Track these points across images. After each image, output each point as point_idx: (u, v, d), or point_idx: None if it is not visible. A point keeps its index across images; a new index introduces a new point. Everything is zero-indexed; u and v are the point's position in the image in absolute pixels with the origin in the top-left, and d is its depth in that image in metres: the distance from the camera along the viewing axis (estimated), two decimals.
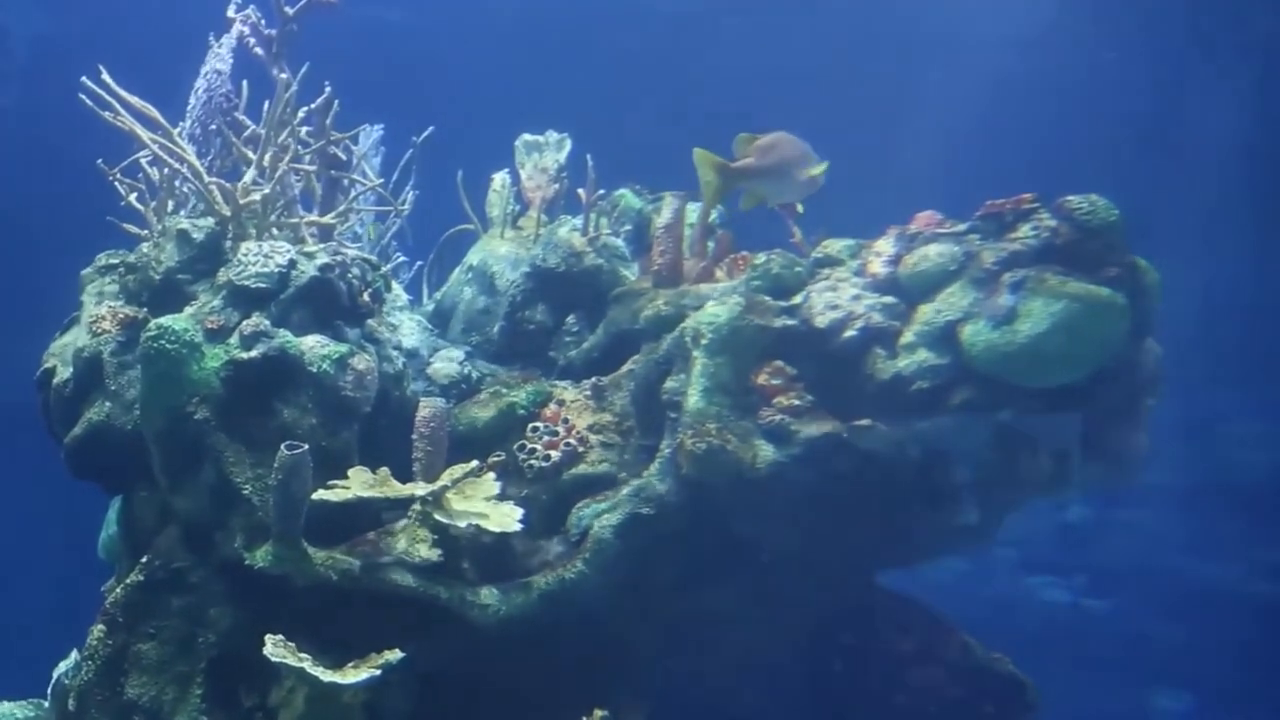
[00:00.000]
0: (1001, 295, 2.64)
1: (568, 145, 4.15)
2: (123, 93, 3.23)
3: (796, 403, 2.84)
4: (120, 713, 2.88)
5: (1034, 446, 2.78)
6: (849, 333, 2.85)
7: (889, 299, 2.86)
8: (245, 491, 2.87)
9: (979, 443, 2.78)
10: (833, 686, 3.05)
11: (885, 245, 2.92)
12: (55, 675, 3.37)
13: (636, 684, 3.09)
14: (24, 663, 3.64)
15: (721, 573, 3.06)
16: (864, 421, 2.78)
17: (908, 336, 2.79)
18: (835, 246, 3.06)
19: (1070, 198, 2.74)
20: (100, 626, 2.95)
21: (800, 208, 3.11)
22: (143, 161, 3.39)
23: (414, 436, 3.08)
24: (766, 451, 2.82)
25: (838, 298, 2.87)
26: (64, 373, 3.21)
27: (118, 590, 2.99)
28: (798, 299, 2.95)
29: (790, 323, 2.92)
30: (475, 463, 3.02)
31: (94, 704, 2.91)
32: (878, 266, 2.88)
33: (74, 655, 3.33)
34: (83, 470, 3.18)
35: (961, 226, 2.85)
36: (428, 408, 3.11)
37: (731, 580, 3.07)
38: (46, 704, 3.41)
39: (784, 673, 3.08)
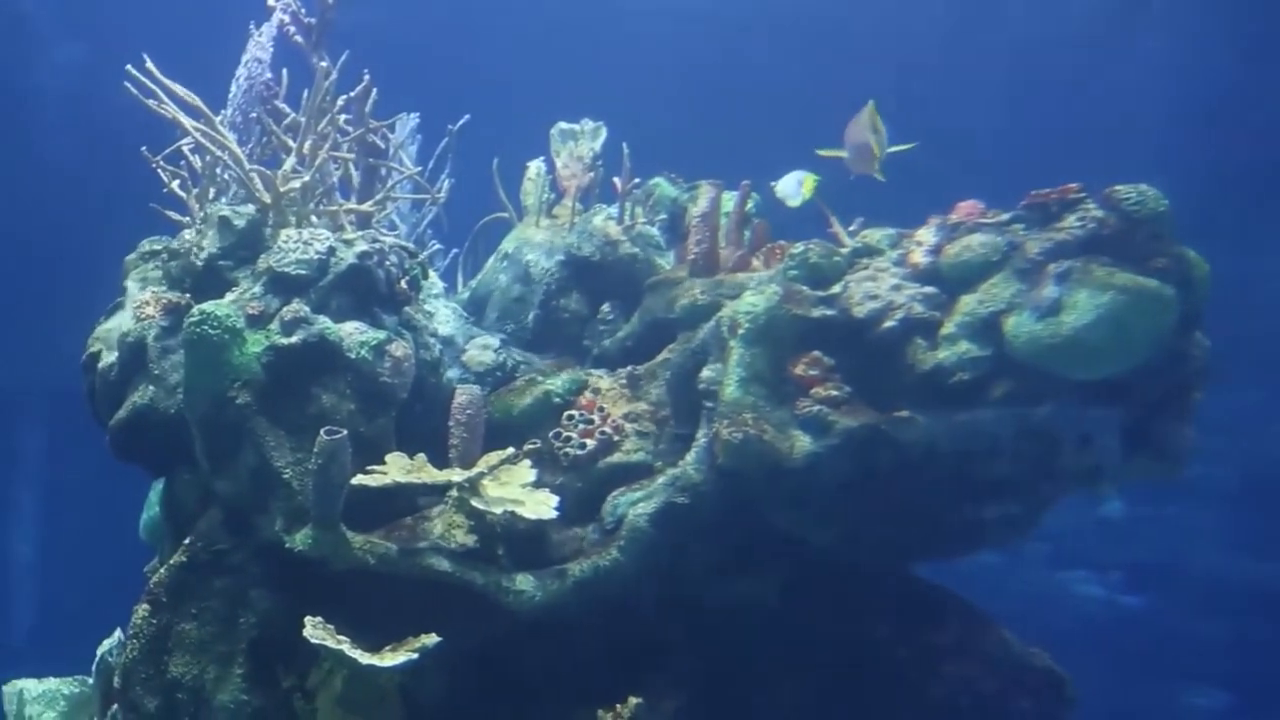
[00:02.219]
0: (1046, 286, 2.61)
1: (603, 133, 4.14)
2: (166, 81, 3.27)
3: (834, 393, 2.82)
4: (164, 690, 2.93)
5: (1076, 440, 2.74)
6: (888, 323, 2.82)
7: (930, 289, 2.82)
8: (285, 475, 2.90)
9: (1020, 436, 2.74)
10: (868, 678, 3.03)
11: (926, 235, 2.89)
12: (99, 653, 3.44)
13: (671, 672, 3.09)
14: (69, 640, 3.71)
15: (757, 563, 3.05)
16: (903, 413, 2.75)
17: (949, 327, 2.76)
18: (874, 236, 3.03)
19: (1118, 187, 2.70)
20: (145, 606, 3.00)
21: (880, 176, 3.12)
22: (185, 149, 3.43)
23: (450, 423, 3.10)
24: (803, 442, 2.81)
25: (877, 288, 2.85)
26: (109, 357, 3.26)
27: (161, 571, 3.04)
28: (836, 289, 2.92)
29: (828, 313, 2.90)
30: (511, 449, 3.04)
31: (139, 681, 2.96)
32: (918, 256, 2.85)
33: (117, 634, 3.40)
34: (126, 453, 3.23)
35: (1005, 216, 2.81)
36: (464, 394, 3.12)
37: (767, 571, 3.07)
38: (91, 681, 3.48)
39: (820, 666, 3.07)
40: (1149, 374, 2.68)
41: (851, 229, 3.16)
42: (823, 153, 3.23)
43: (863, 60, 5.73)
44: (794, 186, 3.32)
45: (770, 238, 3.41)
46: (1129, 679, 6.41)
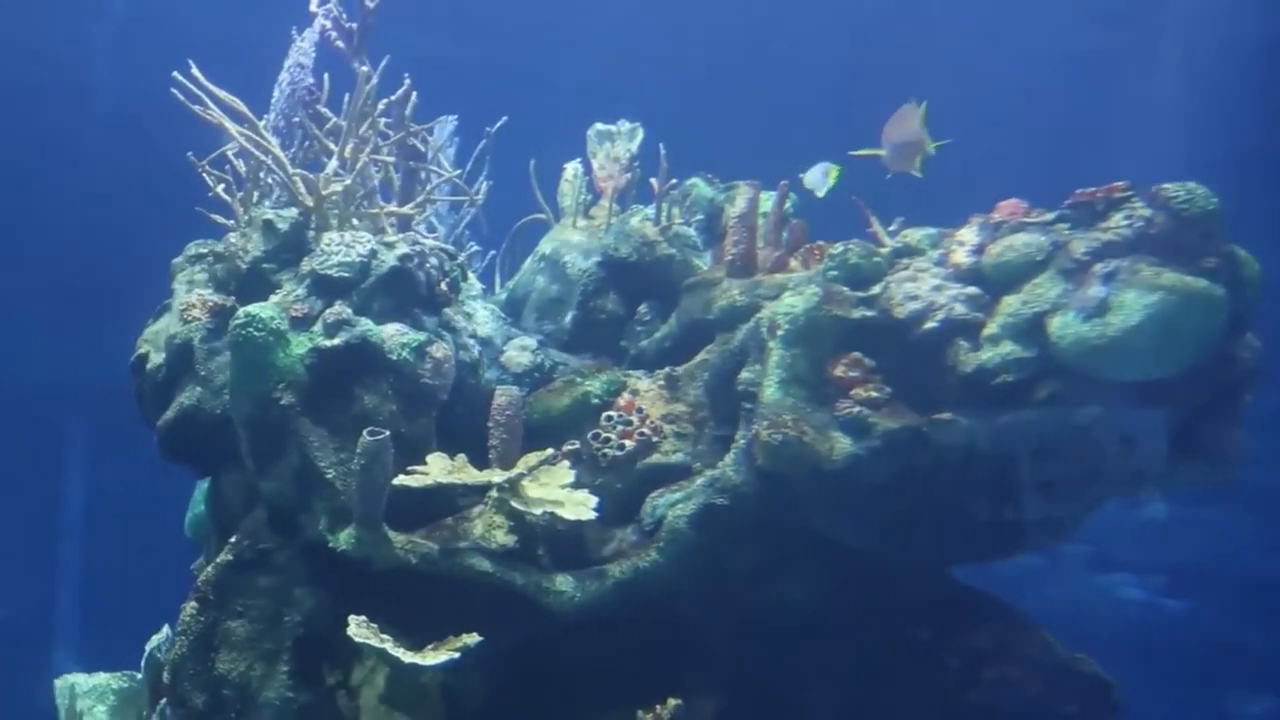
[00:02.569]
0: (1092, 286, 2.57)
1: (640, 134, 4.15)
2: (211, 86, 3.32)
3: (875, 395, 2.81)
4: (211, 686, 2.97)
5: (1123, 443, 2.71)
6: (930, 324, 2.80)
7: (972, 289, 2.80)
8: (328, 476, 2.93)
9: (1065, 438, 2.71)
10: (908, 682, 3.02)
11: (968, 234, 2.86)
12: (148, 649, 3.50)
13: (709, 673, 3.09)
14: (117, 636, 3.77)
15: (796, 565, 3.05)
16: (944, 415, 2.73)
17: (991, 328, 2.74)
18: (915, 236, 3.01)
19: (1166, 185, 2.66)
20: (192, 604, 3.05)
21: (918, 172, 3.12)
22: (230, 154, 3.48)
23: (490, 424, 3.12)
24: (844, 444, 2.80)
25: (918, 288, 2.82)
26: (156, 358, 3.32)
27: (208, 569, 3.09)
28: (876, 289, 2.91)
29: (869, 313, 2.88)
30: (550, 450, 3.05)
31: (187, 677, 3.01)
32: (960, 256, 2.83)
33: (165, 630, 3.46)
34: (174, 453, 3.28)
35: (1049, 215, 2.77)
36: (503, 396, 3.15)
37: (806, 572, 3.06)
38: (140, 676, 3.54)
39: (859, 667, 3.06)
40: (1198, 376, 2.64)
41: (891, 229, 3.14)
42: (858, 153, 3.23)
43: (900, 56, 5.70)
44: (820, 177, 3.34)
45: (808, 238, 3.40)
46: (1174, 685, 6.31)
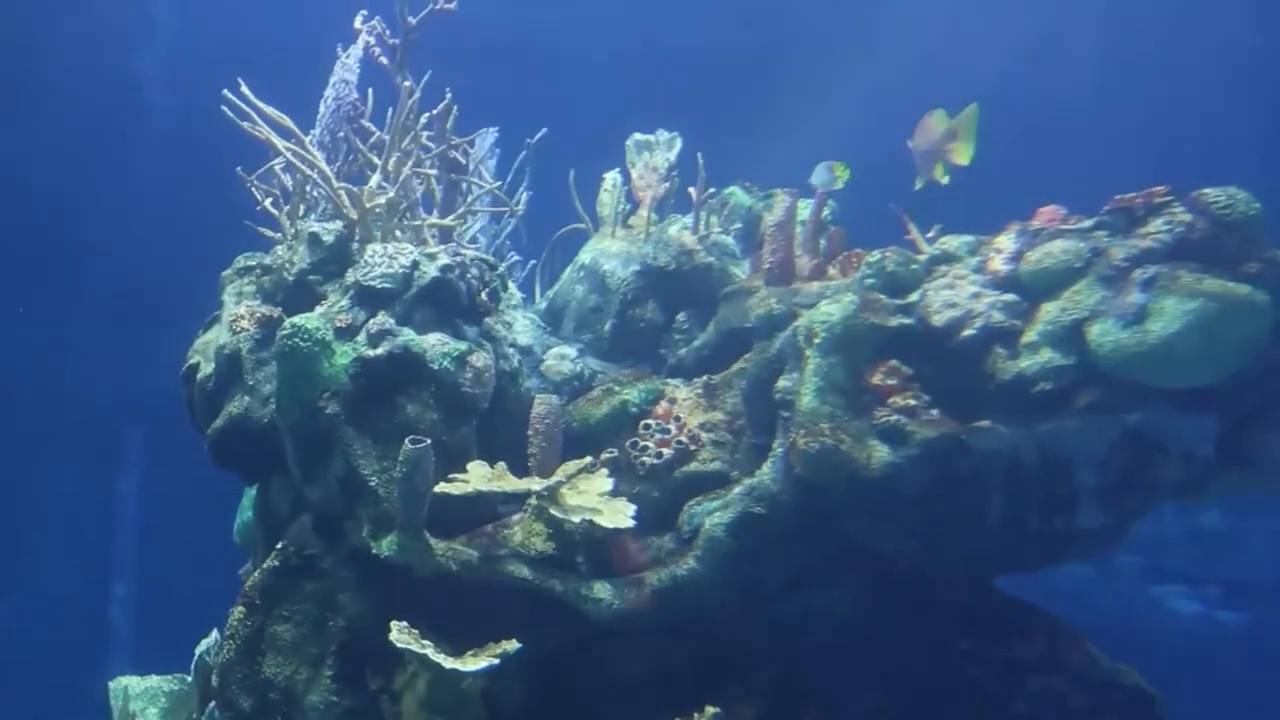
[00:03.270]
0: (1131, 293, 2.54)
1: (678, 144, 4.17)
2: (259, 103, 3.40)
3: (912, 403, 2.79)
4: (258, 690, 3.03)
5: (1165, 451, 2.67)
6: (968, 331, 2.79)
7: (1010, 296, 2.78)
8: (372, 483, 2.98)
9: (1105, 446, 2.68)
10: (949, 692, 2.99)
11: (1006, 241, 2.85)
12: (197, 652, 3.57)
13: (748, 682, 3.09)
14: (169, 638, 3.85)
15: (835, 574, 3.04)
16: (983, 423, 2.71)
17: (1030, 335, 2.71)
18: (952, 243, 2.99)
19: (1206, 190, 2.62)
20: (240, 608, 3.11)
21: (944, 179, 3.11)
22: (277, 168, 3.56)
23: (529, 432, 3.15)
24: (881, 452, 2.78)
25: (956, 295, 2.81)
26: (206, 368, 3.40)
27: (255, 574, 3.15)
28: (914, 297, 2.90)
29: (906, 321, 2.87)
30: (588, 459, 3.07)
31: (234, 681, 3.07)
32: (998, 263, 2.81)
33: (214, 634, 3.53)
34: (223, 460, 3.35)
35: (1088, 222, 2.75)
36: (542, 404, 3.18)
37: (845, 582, 3.05)
38: (190, 679, 3.62)
39: (898, 677, 3.04)
40: (1243, 382, 2.60)
41: (929, 236, 3.13)
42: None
43: (938, 64, 5.66)
44: (827, 174, 3.33)
45: (846, 245, 3.39)
46: (1231, 700, 6.15)
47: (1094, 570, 6.47)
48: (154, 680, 3.66)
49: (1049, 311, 2.70)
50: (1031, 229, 2.82)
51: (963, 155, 3.06)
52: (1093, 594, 6.33)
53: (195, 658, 3.54)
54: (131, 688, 3.62)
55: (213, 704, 3.21)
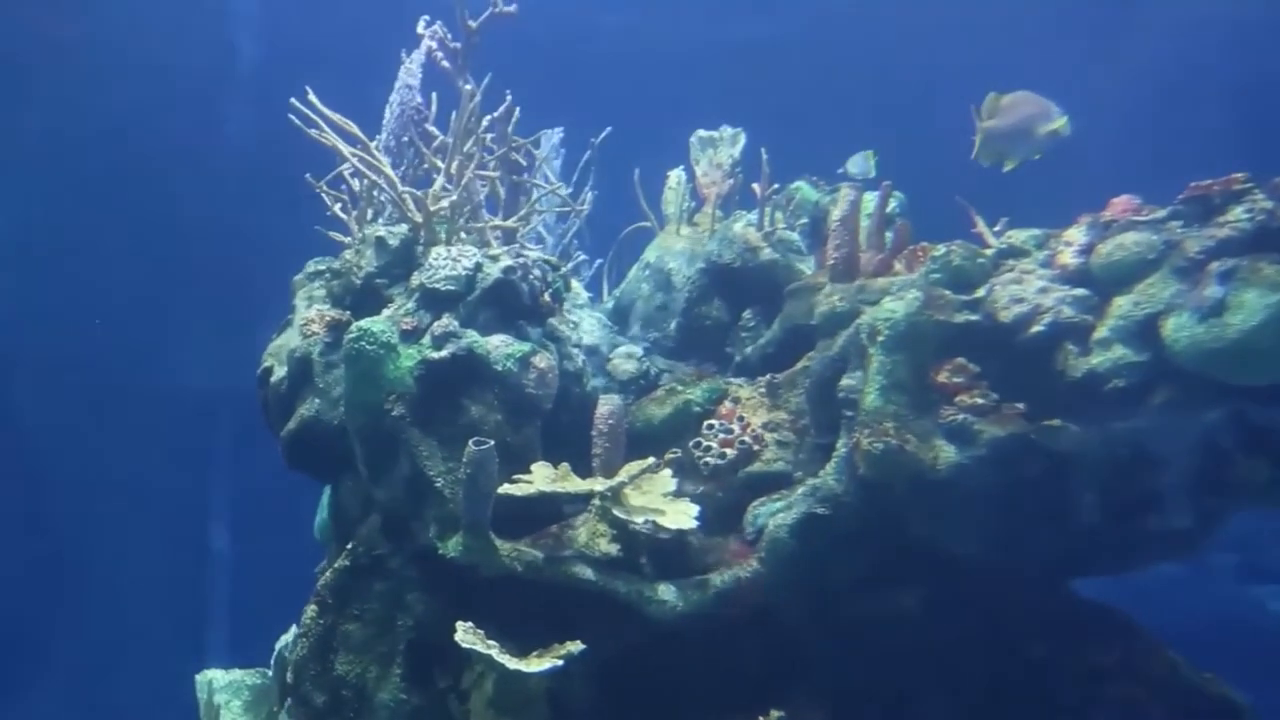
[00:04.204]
0: (1208, 286, 2.43)
1: (742, 140, 4.14)
2: (326, 110, 3.47)
3: (980, 401, 2.72)
4: (330, 687, 3.11)
5: (1247, 449, 2.54)
6: (1036, 327, 2.70)
7: (1080, 291, 2.68)
8: (437, 484, 3.02)
9: (1183, 445, 2.56)
10: (1021, 699, 2.90)
11: (1076, 234, 2.75)
12: (277, 648, 3.68)
13: (814, 685, 3.05)
14: (257, 633, 3.97)
15: (902, 576, 2.97)
16: (1054, 422, 2.62)
17: (1102, 331, 2.61)
18: (1020, 237, 2.90)
19: None
20: (313, 607, 3.19)
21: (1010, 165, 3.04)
22: (345, 174, 3.63)
23: (592, 433, 3.16)
24: (948, 452, 2.72)
25: (1024, 290, 2.72)
26: (279, 371, 3.49)
27: (327, 574, 3.23)
28: (980, 292, 2.82)
29: (972, 317, 2.80)
30: (651, 459, 3.07)
31: (308, 678, 3.15)
32: (1068, 257, 2.71)
33: (293, 630, 3.63)
34: (296, 461, 3.44)
35: (1162, 212, 2.63)
36: (605, 405, 3.18)
37: (913, 584, 2.98)
38: (271, 673, 3.73)
39: (969, 683, 2.96)
40: None
41: (996, 229, 3.04)
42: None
43: (1004, 50, 5.50)
44: (864, 163, 3.26)
45: (913, 239, 3.31)
46: None
47: (1186, 571, 6.21)
48: (238, 674, 3.77)
49: (1121, 306, 2.60)
50: (1103, 221, 2.72)
51: (1063, 126, 2.96)
52: (1185, 596, 6.08)
53: (275, 653, 3.64)
54: (216, 680, 3.73)
55: (290, 699, 3.29)
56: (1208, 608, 6.31)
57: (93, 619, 7.32)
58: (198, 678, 3.81)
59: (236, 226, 6.56)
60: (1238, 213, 2.48)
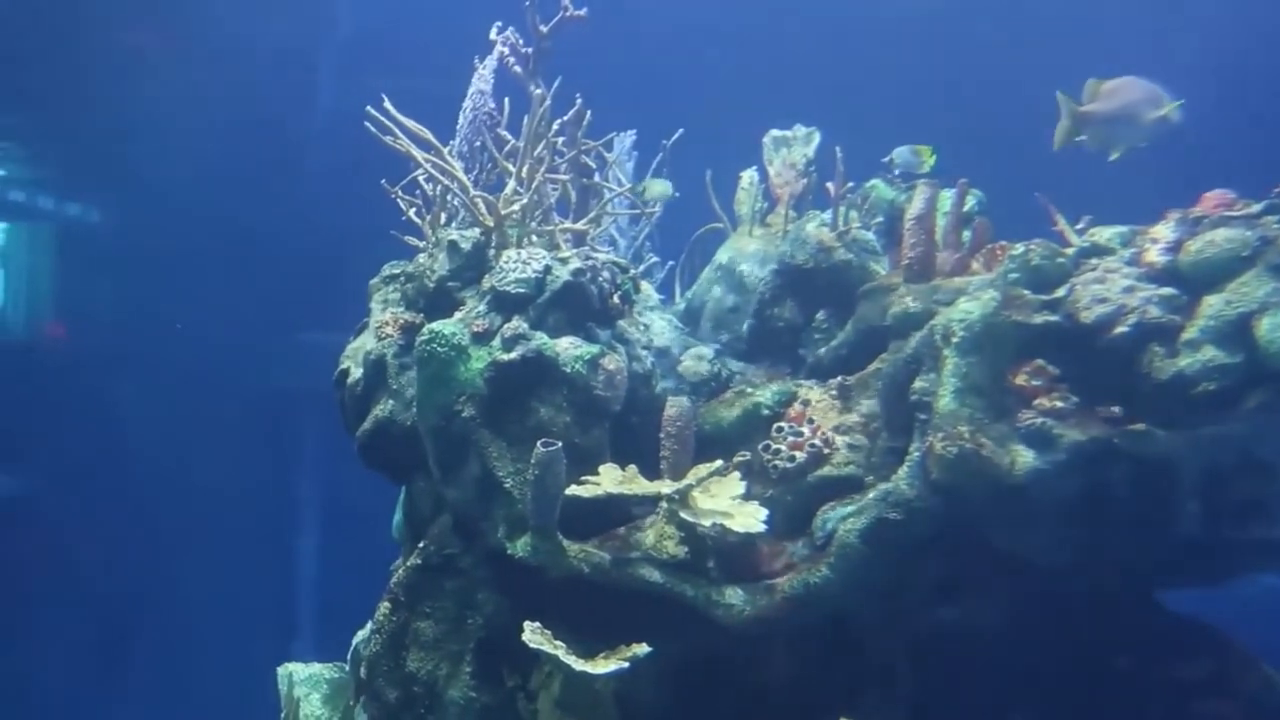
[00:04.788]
0: None
1: (816, 139, 4.08)
2: (401, 117, 3.53)
3: (1060, 404, 2.62)
4: (402, 683, 3.15)
5: None
6: (1121, 328, 2.59)
7: (1168, 290, 2.57)
8: (506, 485, 3.04)
9: (1277, 451, 2.43)
10: (1104, 713, 2.79)
11: (1163, 231, 2.63)
12: (354, 643, 3.75)
13: (887, 693, 2.99)
14: (338, 629, 4.05)
15: (979, 584, 2.89)
16: (1138, 426, 2.51)
17: (1191, 332, 2.49)
18: (1104, 234, 2.79)
19: None
20: (386, 604, 3.25)
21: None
22: (420, 179, 3.69)
23: (661, 435, 3.14)
24: (1025, 457, 2.63)
25: (1107, 290, 2.61)
26: (356, 373, 3.56)
27: (400, 572, 3.28)
28: (1061, 292, 2.72)
29: (1052, 318, 2.70)
30: (720, 462, 3.04)
31: (381, 674, 3.21)
32: (1154, 255, 2.59)
33: (368, 626, 3.70)
34: (371, 462, 3.50)
35: (1256, 207, 2.50)
36: (674, 407, 3.16)
37: (990, 593, 2.90)
38: (347, 667, 3.80)
39: (1050, 697, 2.86)
40: None
41: (1079, 227, 2.93)
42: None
43: (1088, 39, 5.32)
44: (912, 157, 3.17)
45: (991, 238, 3.22)
46: None
47: None
48: (317, 667, 3.86)
49: (1212, 305, 2.48)
50: (1192, 217, 2.60)
51: (1172, 111, 2.84)
52: None
53: (351, 648, 3.71)
54: (296, 674, 3.82)
55: (364, 695, 3.35)
56: None
57: (185, 613, 7.59)
58: (279, 670, 3.91)
59: (320, 229, 6.73)
60: None
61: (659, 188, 3.95)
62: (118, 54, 6.86)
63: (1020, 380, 2.69)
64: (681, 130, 3.94)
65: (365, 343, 3.57)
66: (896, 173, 3.56)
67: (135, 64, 6.86)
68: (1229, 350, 2.46)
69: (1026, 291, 2.76)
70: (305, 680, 3.83)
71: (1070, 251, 2.79)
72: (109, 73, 6.88)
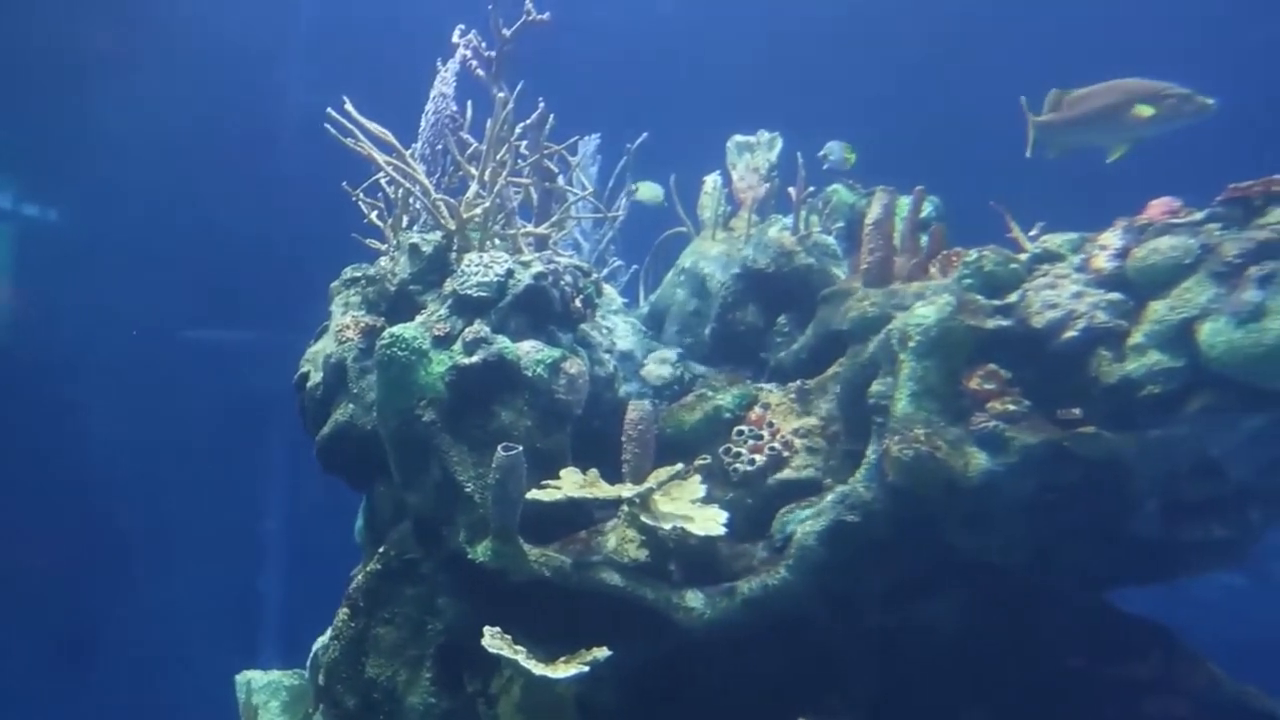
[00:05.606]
0: (1247, 290, 2.35)
1: (779, 144, 4.12)
2: (362, 120, 3.52)
3: (1012, 408, 2.66)
4: (362, 690, 3.14)
5: None
6: (1070, 333, 2.64)
7: (1115, 296, 2.62)
8: (467, 490, 3.04)
9: (1221, 453, 2.49)
10: (1057, 712, 2.84)
11: (1111, 238, 2.68)
12: (313, 650, 3.72)
13: (846, 695, 3.01)
14: (298, 634, 4.01)
15: (935, 584, 2.93)
16: (1088, 429, 2.56)
17: (1137, 337, 2.55)
18: (1055, 241, 2.84)
19: None
20: (345, 610, 3.23)
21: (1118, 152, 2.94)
22: (382, 182, 3.68)
23: (622, 438, 3.15)
24: (979, 459, 2.67)
25: (1057, 295, 2.66)
26: (316, 377, 3.54)
27: (359, 577, 3.26)
28: (1013, 297, 2.76)
29: (1005, 323, 2.74)
30: (680, 465, 3.06)
31: (340, 680, 3.19)
32: (1102, 261, 2.64)
33: (329, 632, 3.67)
34: (331, 466, 3.48)
35: (1199, 215, 2.56)
36: (635, 410, 3.17)
37: (946, 594, 2.93)
38: (307, 674, 3.77)
39: (1005, 695, 2.90)
40: None
41: (1032, 234, 2.98)
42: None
43: (1049, 50, 5.40)
44: (839, 151, 3.27)
45: (948, 243, 3.26)
46: None
47: (1247, 581, 6.02)
48: (275, 675, 3.82)
49: (1157, 311, 2.53)
50: (1139, 224, 2.65)
51: (1145, 111, 2.85)
52: (1249, 607, 5.90)
53: (311, 655, 3.68)
54: (255, 681, 3.78)
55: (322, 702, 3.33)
56: (1270, 618, 6.11)
57: (144, 620, 7.50)
58: (237, 678, 3.86)
59: (281, 231, 6.69)
60: (1278, 215, 2.40)
61: (649, 192, 3.95)
62: (76, 54, 6.78)
63: (974, 384, 2.73)
64: (645, 134, 3.96)
65: (326, 346, 3.55)
66: (825, 166, 3.62)
67: (94, 64, 6.78)
68: (1173, 354, 2.51)
69: (980, 297, 2.80)
70: (263, 688, 3.80)
71: (1023, 257, 2.84)
72: (67, 72, 6.79)
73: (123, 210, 7.14)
